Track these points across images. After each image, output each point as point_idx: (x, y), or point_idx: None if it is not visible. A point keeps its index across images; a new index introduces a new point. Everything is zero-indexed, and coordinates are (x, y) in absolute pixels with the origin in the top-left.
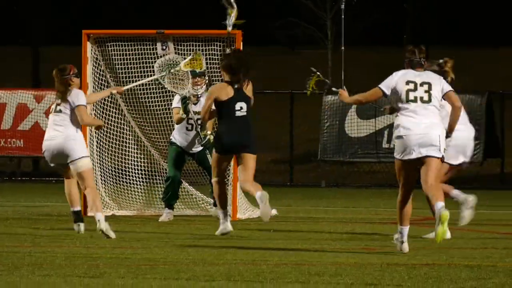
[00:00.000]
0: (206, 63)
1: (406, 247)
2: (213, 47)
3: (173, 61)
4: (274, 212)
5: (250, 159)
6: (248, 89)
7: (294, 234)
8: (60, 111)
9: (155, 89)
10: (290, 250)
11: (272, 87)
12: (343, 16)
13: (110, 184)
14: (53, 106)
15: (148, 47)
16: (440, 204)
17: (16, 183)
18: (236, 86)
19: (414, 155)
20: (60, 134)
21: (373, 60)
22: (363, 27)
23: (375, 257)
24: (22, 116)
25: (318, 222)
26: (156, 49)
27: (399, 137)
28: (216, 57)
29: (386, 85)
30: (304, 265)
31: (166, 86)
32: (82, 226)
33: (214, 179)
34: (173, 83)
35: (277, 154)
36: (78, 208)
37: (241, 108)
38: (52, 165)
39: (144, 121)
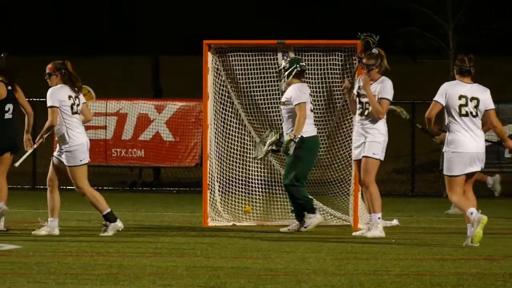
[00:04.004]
0: (325, 73)
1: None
2: (333, 57)
3: (263, 141)
4: (395, 222)
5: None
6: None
7: (416, 244)
8: (80, 112)
9: (275, 97)
10: (412, 260)
11: (394, 96)
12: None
13: (229, 194)
14: (72, 103)
15: (268, 57)
16: (473, 210)
17: (137, 193)
18: (9, 88)
19: (463, 171)
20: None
21: (506, 69)
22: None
23: (497, 266)
24: (143, 126)
25: (440, 232)
26: (276, 59)
27: (454, 153)
28: (337, 67)
29: (440, 97)
30: (426, 275)
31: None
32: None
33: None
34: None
35: (399, 163)
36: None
37: (9, 109)
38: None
39: (265, 130)
